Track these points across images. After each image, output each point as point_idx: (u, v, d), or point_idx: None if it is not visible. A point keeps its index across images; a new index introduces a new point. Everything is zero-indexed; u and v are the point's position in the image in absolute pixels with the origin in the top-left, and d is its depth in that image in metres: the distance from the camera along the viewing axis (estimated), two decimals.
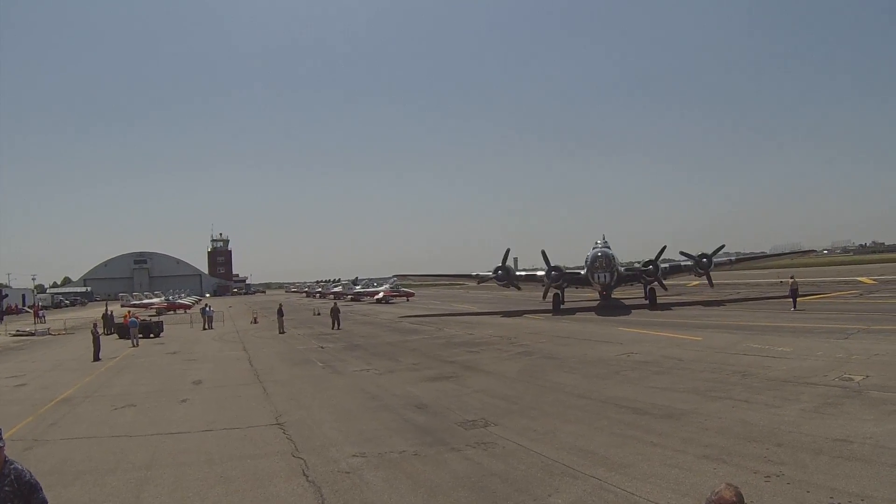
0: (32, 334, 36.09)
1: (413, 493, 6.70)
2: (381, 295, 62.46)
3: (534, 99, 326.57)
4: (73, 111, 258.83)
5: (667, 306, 31.45)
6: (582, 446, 8.05)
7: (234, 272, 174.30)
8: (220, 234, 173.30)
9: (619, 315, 29.08)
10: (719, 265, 35.47)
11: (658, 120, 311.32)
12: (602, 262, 32.61)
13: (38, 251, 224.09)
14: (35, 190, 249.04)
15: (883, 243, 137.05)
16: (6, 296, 69.48)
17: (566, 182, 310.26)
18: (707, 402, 9.96)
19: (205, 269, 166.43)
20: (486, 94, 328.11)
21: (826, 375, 11.29)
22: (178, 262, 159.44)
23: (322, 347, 22.88)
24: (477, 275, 40.44)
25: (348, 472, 7.54)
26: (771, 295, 34.35)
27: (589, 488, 6.48)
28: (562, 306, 34.66)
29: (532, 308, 36.78)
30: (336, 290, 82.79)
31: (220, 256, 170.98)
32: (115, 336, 31.63)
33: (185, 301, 68.06)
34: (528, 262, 46.66)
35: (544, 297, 35.11)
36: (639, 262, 33.99)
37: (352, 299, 69.77)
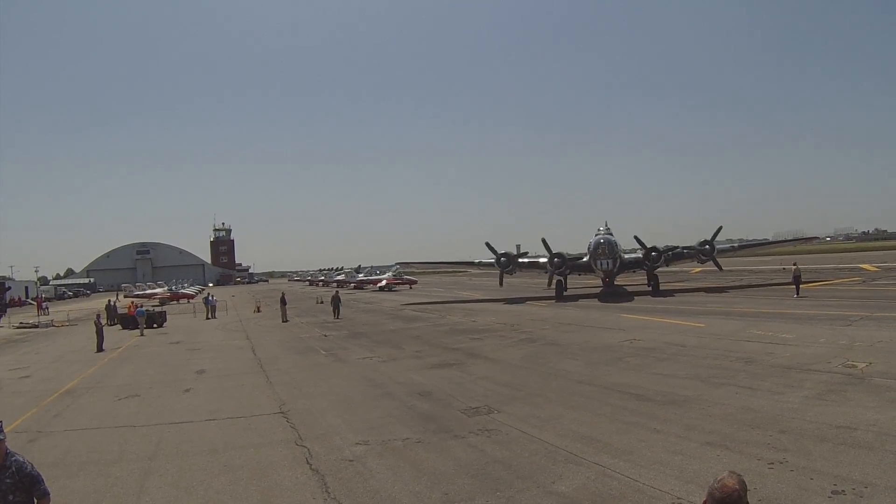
0: (36, 326, 36.23)
1: (416, 480, 6.71)
2: (383, 283, 62.58)
3: (534, 98, 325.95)
4: (76, 105, 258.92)
5: (669, 293, 31.44)
6: (585, 433, 8.05)
7: (237, 262, 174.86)
8: (223, 224, 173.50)
9: (622, 302, 29.07)
10: (722, 252, 35.30)
11: (662, 115, 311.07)
12: (604, 249, 32.55)
13: (40, 243, 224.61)
14: (37, 182, 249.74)
15: (885, 231, 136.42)
16: (9, 288, 69.53)
17: (569, 176, 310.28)
18: (710, 389, 9.94)
19: (208, 258, 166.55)
20: (491, 91, 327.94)
21: (829, 362, 11.25)
22: (181, 252, 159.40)
23: (325, 336, 22.93)
24: (479, 262, 40.40)
25: (352, 461, 7.55)
26: (774, 282, 34.29)
27: (592, 475, 6.47)
28: (564, 293, 34.66)
29: (535, 295, 36.79)
30: (339, 278, 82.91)
31: (222, 246, 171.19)
32: (119, 327, 31.80)
33: (189, 291, 68.38)
34: (531, 252, 46.59)
35: (549, 283, 35.09)
36: (641, 250, 33.87)
37: (355, 287, 70.03)
